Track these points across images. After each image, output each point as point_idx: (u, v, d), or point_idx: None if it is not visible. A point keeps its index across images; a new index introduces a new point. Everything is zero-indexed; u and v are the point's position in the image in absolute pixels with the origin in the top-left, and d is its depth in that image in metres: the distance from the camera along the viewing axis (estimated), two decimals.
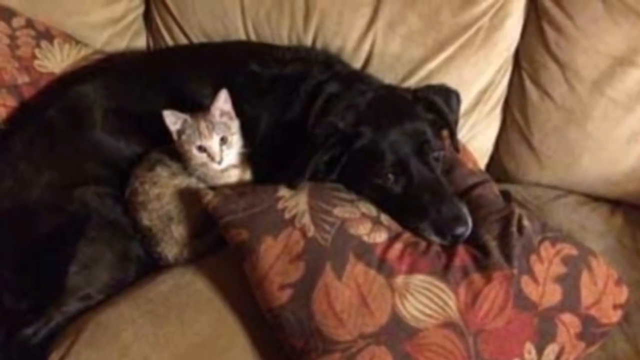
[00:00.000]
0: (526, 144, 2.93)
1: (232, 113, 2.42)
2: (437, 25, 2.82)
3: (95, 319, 2.15)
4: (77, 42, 3.09)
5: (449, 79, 2.75)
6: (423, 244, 2.18)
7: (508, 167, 3.03)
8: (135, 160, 2.54)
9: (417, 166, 2.29)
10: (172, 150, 2.42)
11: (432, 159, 2.32)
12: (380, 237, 2.13)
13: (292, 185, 2.21)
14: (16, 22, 2.89)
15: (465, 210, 2.25)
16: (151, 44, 3.37)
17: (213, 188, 2.35)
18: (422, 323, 1.99)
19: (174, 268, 2.34)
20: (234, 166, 2.43)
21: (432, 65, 2.87)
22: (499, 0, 2.78)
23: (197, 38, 3.16)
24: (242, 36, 3.07)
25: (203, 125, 2.33)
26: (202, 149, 2.34)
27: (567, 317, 2.09)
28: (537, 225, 2.21)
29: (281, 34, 3.01)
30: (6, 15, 2.87)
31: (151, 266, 2.42)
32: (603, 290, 2.16)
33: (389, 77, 2.88)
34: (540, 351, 2.05)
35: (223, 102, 2.37)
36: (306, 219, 2.11)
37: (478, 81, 2.90)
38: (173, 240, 2.38)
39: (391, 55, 2.89)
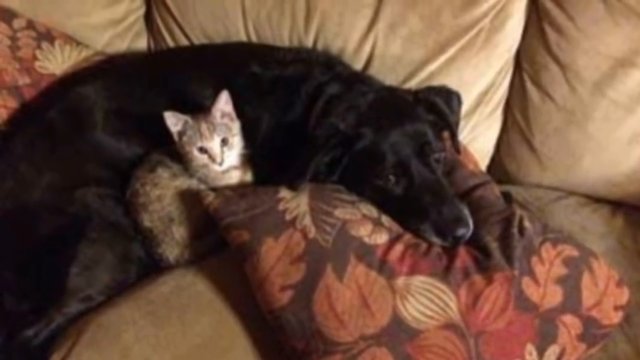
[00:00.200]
0: (527, 145, 2.93)
1: (233, 114, 2.42)
2: (438, 26, 2.82)
3: (96, 320, 2.15)
4: (78, 43, 3.10)
5: (450, 81, 2.75)
6: (424, 246, 2.18)
7: (509, 169, 3.03)
8: (136, 162, 2.54)
9: (418, 167, 2.29)
10: (173, 152, 2.42)
11: (433, 161, 2.32)
12: (381, 238, 2.13)
13: (293, 187, 2.21)
14: (17, 23, 2.90)
15: (466, 211, 2.25)
16: (152, 46, 3.37)
17: (214, 189, 2.35)
18: (423, 324, 1.99)
19: (175, 269, 2.33)
20: (235, 167, 2.43)
21: (433, 66, 2.87)
22: (500, 1, 2.79)
23: (198, 39, 3.17)
24: (243, 37, 3.07)
25: (204, 126, 2.33)
26: (203, 150, 2.34)
27: (568, 318, 2.09)
28: (538, 227, 2.21)
29: (282, 35, 3.02)
30: (7, 17, 2.88)
31: (152, 267, 2.42)
32: (604, 292, 2.16)
33: (390, 79, 2.88)
34: (541, 352, 2.05)
35: (224, 103, 2.37)
36: (307, 221, 2.11)
37: (479, 82, 2.90)
38: (174, 241, 2.38)
39: (392, 57, 2.89)
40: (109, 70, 2.99)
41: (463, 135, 2.88)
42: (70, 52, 3.02)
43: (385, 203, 2.29)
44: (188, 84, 2.70)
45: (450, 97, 2.53)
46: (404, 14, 2.83)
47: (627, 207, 2.86)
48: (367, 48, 2.91)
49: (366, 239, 2.11)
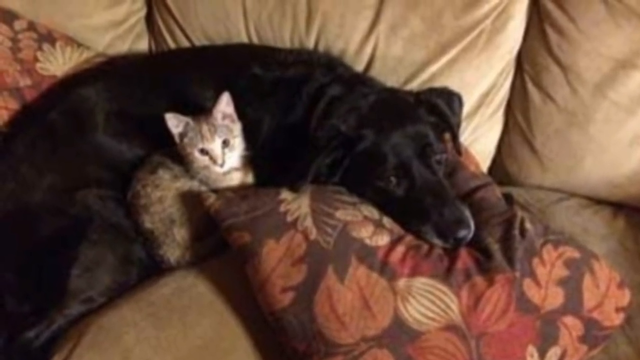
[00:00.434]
0: (528, 146, 2.93)
1: (234, 116, 2.42)
2: (440, 28, 2.82)
3: (97, 322, 2.15)
4: (79, 44, 3.10)
5: (451, 82, 2.75)
6: (425, 247, 2.18)
7: (510, 170, 3.03)
8: (137, 163, 2.54)
9: (420, 169, 2.29)
10: (174, 153, 2.43)
11: (435, 162, 2.32)
12: (383, 240, 2.13)
13: (295, 188, 2.21)
14: (18, 25, 2.90)
15: (467, 213, 2.25)
16: (153, 47, 3.37)
17: (215, 191, 2.35)
18: (425, 326, 1.99)
19: (176, 271, 2.34)
20: (236, 169, 2.43)
21: (434, 68, 2.87)
22: (502, 3, 2.79)
23: (199, 41, 3.16)
24: (244, 39, 3.07)
25: (205, 128, 2.33)
26: (204, 151, 2.34)
27: (569, 320, 2.09)
28: (540, 228, 2.21)
29: (283, 37, 3.02)
30: (8, 18, 2.88)
31: (153, 269, 2.42)
32: (605, 293, 2.16)
33: (391, 80, 2.88)
34: (542, 354, 2.05)
35: (225, 104, 2.37)
36: (308, 222, 2.11)
37: (480, 84, 2.90)
38: (175, 243, 2.38)
39: (393, 58, 2.89)
40: (110, 71, 2.99)
41: (464, 137, 2.89)
42: (71, 54, 3.02)
43: (387, 204, 2.29)
44: (189, 85, 2.70)
45: (451, 98, 2.53)
46: (405, 15, 2.83)
47: (629, 209, 2.86)
48: (368, 49, 2.91)
49: (367, 241, 2.11)
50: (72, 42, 3.07)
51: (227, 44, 3.07)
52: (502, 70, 2.90)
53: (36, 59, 2.89)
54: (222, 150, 2.35)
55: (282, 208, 2.15)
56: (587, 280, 2.13)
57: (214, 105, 2.36)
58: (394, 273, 2.05)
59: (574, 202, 2.89)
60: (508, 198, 2.60)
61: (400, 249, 2.12)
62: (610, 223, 2.79)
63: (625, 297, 2.21)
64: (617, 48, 2.67)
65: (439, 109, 2.44)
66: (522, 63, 2.92)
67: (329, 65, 2.73)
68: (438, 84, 2.77)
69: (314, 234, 2.09)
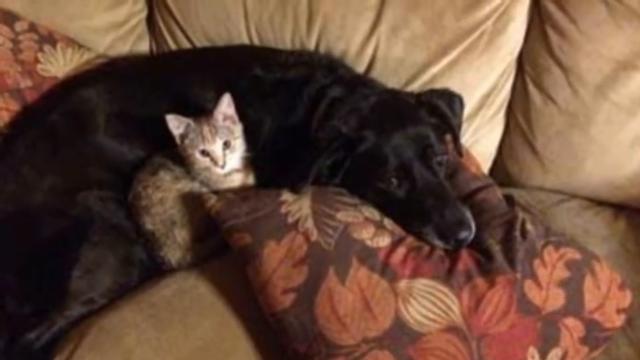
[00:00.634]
0: (529, 148, 2.92)
1: (235, 117, 2.42)
2: (441, 29, 2.82)
3: (98, 324, 2.15)
4: (80, 46, 3.10)
5: (452, 83, 2.75)
6: (426, 248, 2.18)
7: (511, 171, 3.03)
8: (138, 165, 2.54)
9: (421, 170, 2.29)
10: (175, 155, 2.43)
11: (436, 163, 2.32)
12: (384, 241, 2.13)
13: (295, 190, 2.21)
14: (19, 26, 2.90)
15: (468, 214, 2.25)
16: (154, 48, 3.38)
17: (216, 192, 2.36)
18: (426, 327, 1.99)
19: (177, 272, 2.34)
20: (237, 170, 2.43)
21: (435, 69, 2.86)
22: (502, 4, 2.78)
23: (200, 42, 3.16)
24: (245, 40, 3.07)
25: (206, 129, 2.33)
26: (205, 153, 2.34)
27: (570, 321, 2.09)
28: (541, 230, 2.21)
29: (284, 38, 3.02)
30: (9, 19, 2.88)
31: (154, 270, 2.42)
32: (606, 295, 2.16)
33: (392, 81, 2.88)
34: (543, 355, 2.05)
35: (226, 106, 2.37)
36: (309, 223, 2.11)
37: (481, 85, 2.90)
38: (176, 244, 2.38)
39: (394, 60, 2.89)
40: (111, 73, 2.99)
41: (465, 138, 2.89)
42: (72, 55, 3.02)
43: (388, 206, 2.29)
44: (190, 86, 2.70)
45: (452, 99, 2.53)
46: (406, 16, 2.83)
47: (630, 210, 2.86)
48: (369, 51, 2.91)
49: (368, 242, 2.11)
50: (73, 43, 3.07)
51: (228, 45, 3.08)
52: (503, 71, 2.90)
53: (37, 60, 2.89)
54: (223, 152, 2.35)
55: (283, 209, 2.15)
56: (588, 282, 2.14)
57: (215, 107, 2.36)
58: (395, 274, 2.05)
59: (575, 204, 2.89)
60: (509, 199, 2.60)
61: (401, 251, 2.12)
62: (611, 224, 2.78)
63: (626, 299, 2.21)
64: (618, 49, 2.67)
65: (440, 110, 2.44)
66: (523, 64, 2.92)
67: (330, 67, 2.73)
68: (439, 85, 2.77)
69: (315, 236, 2.09)
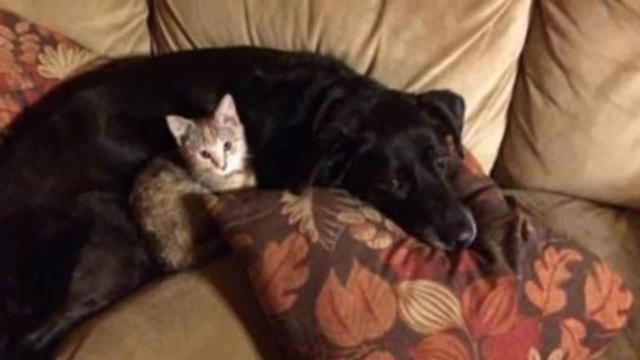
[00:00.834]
0: (530, 149, 2.92)
1: (236, 118, 2.42)
2: (442, 30, 2.82)
3: (99, 325, 2.15)
4: (81, 47, 3.10)
5: (453, 85, 2.75)
6: (427, 250, 2.18)
7: (512, 173, 3.03)
8: (139, 166, 2.54)
9: (422, 172, 2.29)
10: (176, 156, 2.43)
11: (437, 165, 2.32)
12: (385, 242, 2.13)
13: (296, 191, 2.21)
14: (20, 27, 2.89)
15: (469, 216, 2.25)
16: (155, 50, 3.37)
17: (217, 194, 2.36)
18: (427, 329, 1.99)
19: (178, 274, 2.34)
20: (238, 172, 2.43)
21: (436, 70, 2.86)
22: (504, 5, 2.78)
23: (201, 43, 3.16)
24: (246, 41, 3.07)
25: (207, 130, 2.33)
26: (206, 154, 2.34)
27: (571, 322, 2.09)
28: (542, 231, 2.21)
29: (285, 39, 3.02)
30: (10, 21, 2.87)
31: (155, 272, 2.42)
32: (607, 296, 2.16)
33: (393, 83, 2.88)
34: (544, 357, 2.05)
35: (227, 107, 2.37)
36: (310, 225, 2.11)
37: (482, 87, 2.90)
38: (177, 245, 2.38)
39: (395, 61, 2.89)
40: (112, 74, 2.99)
41: (466, 140, 2.89)
42: (73, 56, 3.02)
43: (389, 207, 2.29)
44: (191, 88, 2.70)
45: (453, 101, 2.53)
46: (407, 18, 2.82)
47: (631, 212, 2.86)
48: (370, 52, 2.91)
49: (369, 243, 2.11)
50: (74, 44, 3.07)
51: (229, 47, 3.08)
52: (504, 72, 2.90)
53: (38, 62, 2.89)
54: (224, 153, 2.35)
55: (284, 211, 2.15)
56: (589, 283, 2.13)
57: (216, 108, 2.36)
58: (396, 276, 2.05)
59: (576, 205, 2.89)
60: (510, 201, 2.60)
61: (402, 252, 2.12)
62: (612, 226, 2.78)
63: (627, 300, 2.21)
64: (619, 50, 2.67)
65: (441, 112, 2.44)
66: (524, 66, 2.91)
67: (331, 68, 2.72)
68: (440, 86, 2.77)
69: (316, 237, 2.09)
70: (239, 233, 2.13)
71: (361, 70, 2.93)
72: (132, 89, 2.74)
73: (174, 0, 3.13)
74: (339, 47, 2.94)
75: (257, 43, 3.06)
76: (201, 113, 2.44)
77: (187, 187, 2.42)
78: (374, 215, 2.25)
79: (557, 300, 2.08)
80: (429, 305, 2.02)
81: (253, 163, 2.49)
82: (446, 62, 2.85)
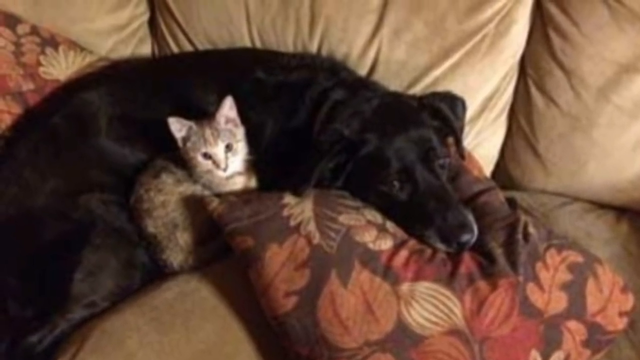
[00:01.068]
0: (532, 151, 2.93)
1: (237, 120, 2.42)
2: (443, 32, 2.81)
3: (100, 327, 2.15)
4: (82, 49, 3.09)
5: (455, 86, 2.74)
6: (428, 252, 2.17)
7: (513, 174, 3.03)
8: (140, 168, 2.54)
9: (423, 173, 2.28)
10: (177, 158, 2.42)
11: (438, 166, 2.32)
12: (386, 244, 2.13)
13: (298, 193, 2.21)
14: (21, 29, 2.89)
15: (470, 217, 2.24)
16: (156, 51, 3.37)
17: (218, 195, 2.35)
18: (428, 330, 1.99)
19: (179, 275, 2.33)
20: (239, 173, 2.43)
21: (437, 72, 2.86)
22: (505, 7, 2.78)
23: (202, 45, 3.16)
24: (248, 43, 3.07)
25: (208, 132, 2.32)
26: (207, 156, 2.34)
27: (572, 324, 2.09)
28: (543, 233, 2.21)
29: (286, 41, 3.01)
30: (11, 22, 2.87)
31: (156, 273, 2.41)
32: (609, 298, 2.15)
33: (395, 84, 2.88)
34: (545, 358, 2.05)
35: (228, 109, 2.37)
36: (311, 226, 2.11)
37: (483, 88, 2.90)
38: (178, 247, 2.38)
39: (397, 62, 2.89)
40: (113, 76, 2.99)
41: (467, 141, 2.88)
42: (74, 58, 3.02)
43: (390, 209, 2.29)
44: (192, 89, 2.70)
45: (454, 102, 2.53)
46: (408, 19, 2.82)
47: (632, 213, 2.86)
48: (371, 54, 2.91)
49: (370, 245, 2.11)
50: (75, 46, 3.07)
51: (230, 48, 3.08)
52: (505, 74, 2.90)
53: (39, 63, 2.89)
54: (225, 155, 2.35)
55: (285, 212, 2.15)
56: (591, 285, 2.13)
57: (217, 110, 2.36)
58: (397, 277, 2.05)
59: (577, 207, 2.89)
60: (511, 202, 2.60)
61: (403, 254, 2.12)
62: (613, 227, 2.79)
63: (628, 302, 2.21)
64: (621, 52, 2.67)
65: (442, 113, 2.44)
66: (526, 67, 2.91)
67: (332, 70, 2.72)
68: (441, 88, 2.77)
69: (317, 239, 2.09)
70: (240, 235, 2.13)
71: (362, 71, 2.93)
72: (133, 91, 2.74)
73: (175, 1, 3.13)
74: (340, 48, 2.94)
75: (258, 44, 3.06)
76: (202, 115, 2.44)
77: (188, 188, 2.42)
78: (375, 216, 2.25)
79: (558, 302, 2.08)
80: (430, 306, 2.01)
81: (254, 165, 2.49)
82: (447, 64, 2.85)
